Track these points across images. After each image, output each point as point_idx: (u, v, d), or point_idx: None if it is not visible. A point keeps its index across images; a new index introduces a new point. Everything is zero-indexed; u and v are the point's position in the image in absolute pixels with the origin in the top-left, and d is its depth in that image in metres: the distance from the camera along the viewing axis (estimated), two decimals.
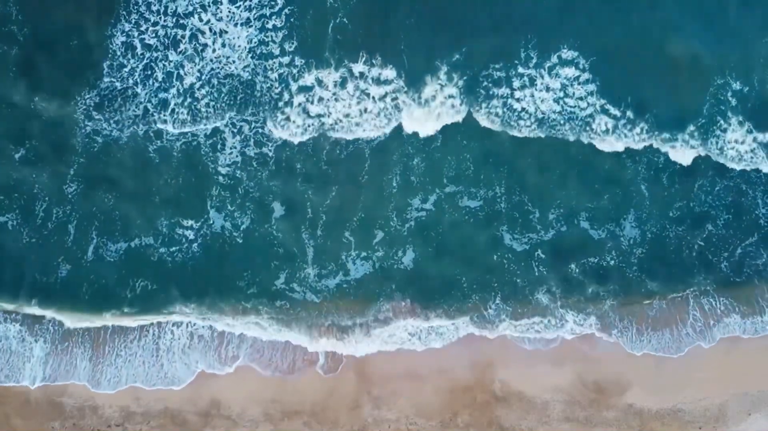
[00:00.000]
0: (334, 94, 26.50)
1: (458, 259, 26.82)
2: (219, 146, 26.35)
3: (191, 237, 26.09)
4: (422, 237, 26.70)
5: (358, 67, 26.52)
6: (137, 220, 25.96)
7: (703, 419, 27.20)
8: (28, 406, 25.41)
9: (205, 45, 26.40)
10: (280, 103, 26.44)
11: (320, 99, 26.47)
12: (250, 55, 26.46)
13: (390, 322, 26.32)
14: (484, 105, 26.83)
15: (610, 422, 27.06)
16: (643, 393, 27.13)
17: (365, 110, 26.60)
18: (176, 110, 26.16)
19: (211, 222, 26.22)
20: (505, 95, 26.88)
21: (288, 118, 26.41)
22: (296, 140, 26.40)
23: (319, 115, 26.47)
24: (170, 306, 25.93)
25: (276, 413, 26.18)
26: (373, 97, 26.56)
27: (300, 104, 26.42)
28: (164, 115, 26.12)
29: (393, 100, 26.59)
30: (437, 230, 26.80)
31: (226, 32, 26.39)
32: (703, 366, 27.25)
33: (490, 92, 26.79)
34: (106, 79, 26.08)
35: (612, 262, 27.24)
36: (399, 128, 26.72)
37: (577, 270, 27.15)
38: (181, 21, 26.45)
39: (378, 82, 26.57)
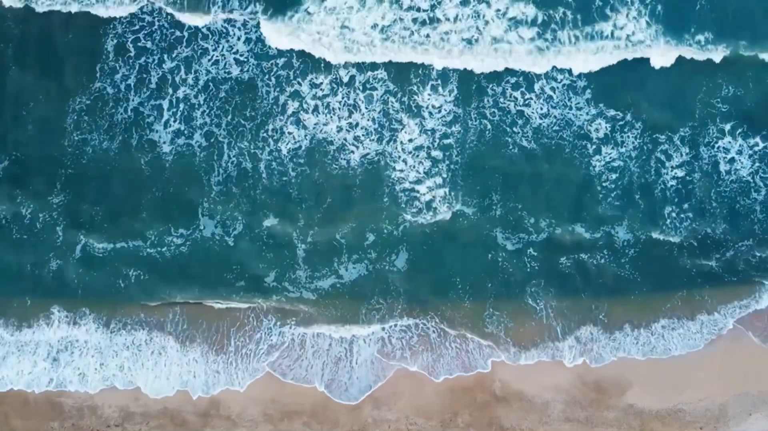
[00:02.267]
0: (325, 102, 26.69)
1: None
2: (215, 154, 26.42)
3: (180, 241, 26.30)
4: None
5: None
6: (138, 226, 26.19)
7: (704, 419, 27.12)
8: (27, 406, 25.39)
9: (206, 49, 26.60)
10: (276, 110, 26.63)
11: (315, 108, 26.69)
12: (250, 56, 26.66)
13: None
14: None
15: (611, 422, 26.98)
16: (643, 393, 27.05)
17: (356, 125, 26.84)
18: (169, 119, 26.32)
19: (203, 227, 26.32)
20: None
21: (282, 130, 26.63)
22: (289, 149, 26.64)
23: (315, 125, 26.71)
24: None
25: (276, 413, 26.14)
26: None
27: (294, 113, 26.63)
28: (158, 124, 26.20)
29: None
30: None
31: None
32: (703, 366, 27.18)
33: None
34: (97, 83, 26.14)
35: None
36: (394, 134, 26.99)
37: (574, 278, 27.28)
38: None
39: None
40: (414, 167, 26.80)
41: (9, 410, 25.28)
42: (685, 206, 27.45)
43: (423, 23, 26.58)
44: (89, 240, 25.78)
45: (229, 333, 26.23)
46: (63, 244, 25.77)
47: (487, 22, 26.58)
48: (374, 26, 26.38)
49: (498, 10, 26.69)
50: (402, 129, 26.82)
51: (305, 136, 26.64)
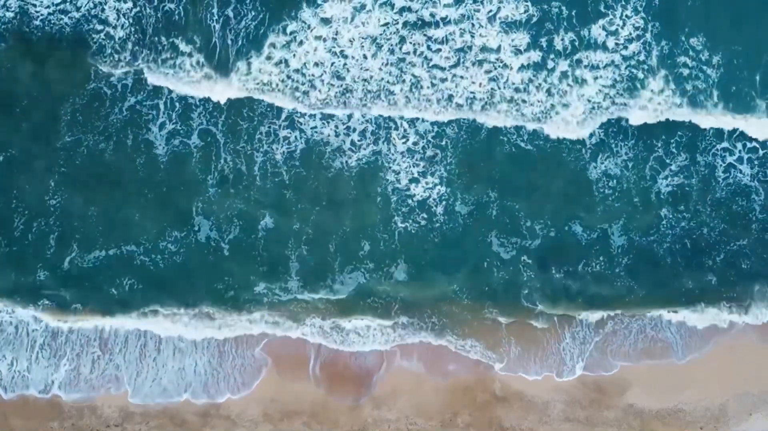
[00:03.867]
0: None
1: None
2: (212, 154, 26.54)
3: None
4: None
5: None
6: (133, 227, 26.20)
7: (704, 419, 27.07)
8: (26, 406, 25.37)
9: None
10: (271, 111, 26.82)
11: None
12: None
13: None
14: None
15: (611, 422, 26.93)
16: (643, 393, 27.05)
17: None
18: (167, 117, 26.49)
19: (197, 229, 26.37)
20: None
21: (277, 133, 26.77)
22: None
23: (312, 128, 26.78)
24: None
25: (275, 413, 26.10)
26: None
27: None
28: (154, 125, 26.34)
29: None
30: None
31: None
32: (703, 366, 27.20)
33: None
34: (92, 84, 26.24)
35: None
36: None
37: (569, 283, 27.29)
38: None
39: None
40: (409, 168, 26.90)
41: (8, 410, 25.25)
42: (681, 208, 27.55)
43: (415, 25, 26.78)
44: (80, 245, 25.91)
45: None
46: (55, 249, 25.86)
47: (482, 25, 26.79)
48: (366, 37, 26.55)
49: (490, 10, 26.94)
50: (395, 128, 26.97)
51: (301, 137, 26.78)
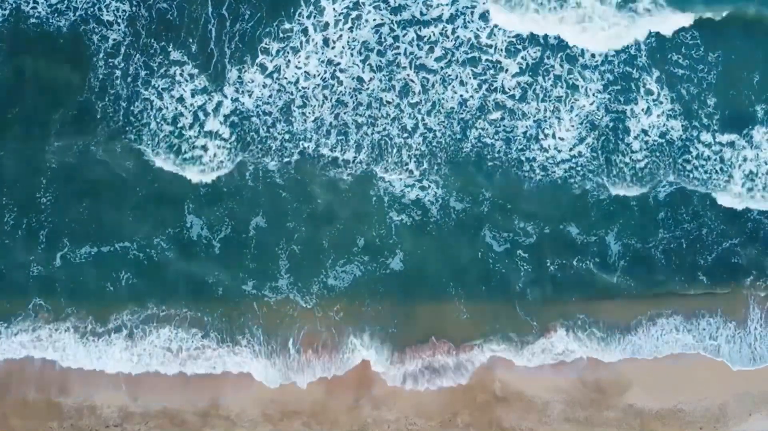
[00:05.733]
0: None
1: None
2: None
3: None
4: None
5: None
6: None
7: (704, 419, 27.14)
8: (25, 406, 25.25)
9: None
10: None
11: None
12: None
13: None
14: None
15: (611, 422, 26.98)
16: (643, 393, 27.08)
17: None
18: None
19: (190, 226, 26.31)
20: None
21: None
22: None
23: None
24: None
25: (275, 413, 26.03)
26: None
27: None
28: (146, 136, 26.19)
29: None
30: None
31: None
32: (703, 366, 27.30)
33: None
34: (85, 93, 26.08)
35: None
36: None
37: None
38: None
39: None
40: (405, 166, 26.88)
41: (7, 410, 25.13)
42: (681, 210, 27.58)
43: (410, 23, 26.70)
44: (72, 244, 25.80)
45: None
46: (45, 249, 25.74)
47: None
48: (359, 43, 26.48)
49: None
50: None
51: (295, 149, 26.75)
